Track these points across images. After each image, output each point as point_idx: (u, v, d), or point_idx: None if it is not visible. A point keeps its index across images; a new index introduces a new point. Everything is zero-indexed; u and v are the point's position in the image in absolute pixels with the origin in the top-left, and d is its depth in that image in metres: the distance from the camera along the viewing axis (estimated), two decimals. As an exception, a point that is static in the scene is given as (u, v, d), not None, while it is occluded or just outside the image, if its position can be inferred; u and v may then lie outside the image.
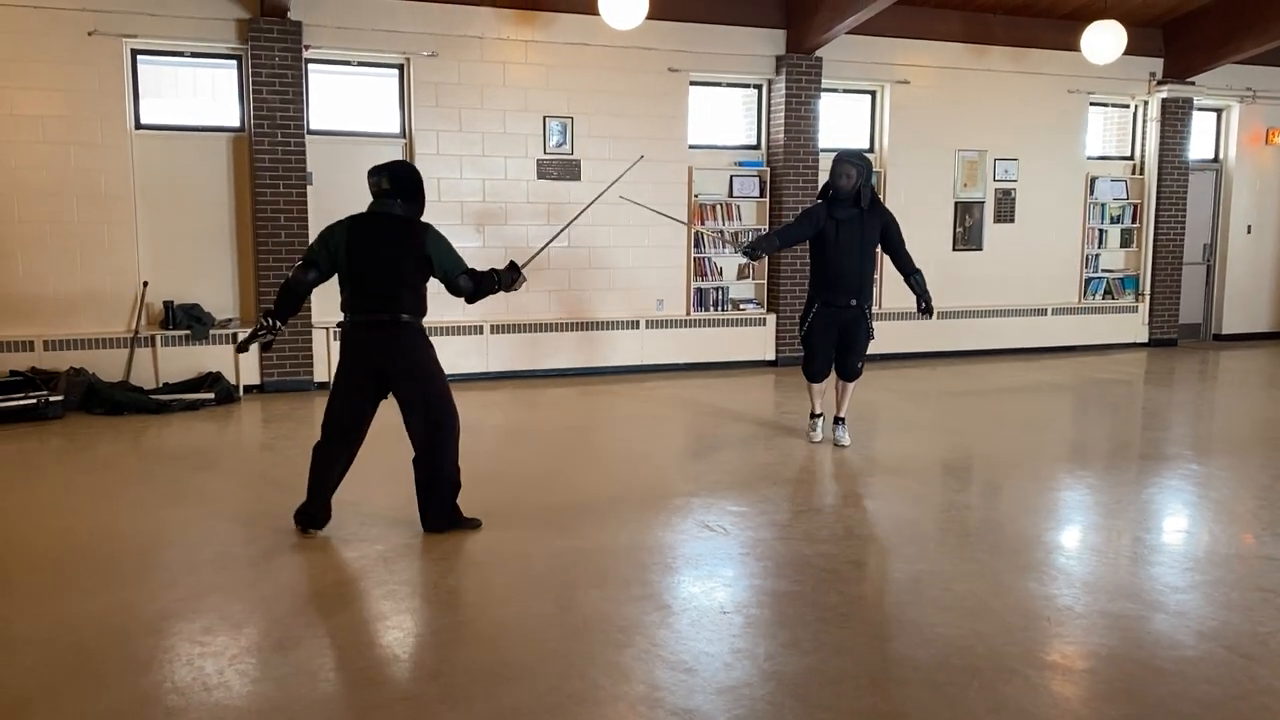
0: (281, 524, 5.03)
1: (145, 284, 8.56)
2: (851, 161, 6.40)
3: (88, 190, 8.33)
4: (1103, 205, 12.05)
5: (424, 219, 4.84)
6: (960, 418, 8.38)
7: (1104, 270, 12.23)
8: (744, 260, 6.44)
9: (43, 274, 8.27)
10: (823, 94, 10.41)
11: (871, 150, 11.09)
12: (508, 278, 4.99)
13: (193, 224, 8.73)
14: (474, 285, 4.86)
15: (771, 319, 10.55)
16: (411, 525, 4.96)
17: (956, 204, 11.32)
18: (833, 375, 6.98)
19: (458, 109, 9.27)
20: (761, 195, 10.51)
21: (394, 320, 4.69)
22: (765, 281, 10.66)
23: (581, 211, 5.88)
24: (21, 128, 8.10)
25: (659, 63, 9.88)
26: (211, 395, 8.22)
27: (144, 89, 8.60)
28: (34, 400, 7.54)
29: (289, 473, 6.27)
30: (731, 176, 10.45)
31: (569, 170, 9.63)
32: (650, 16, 9.08)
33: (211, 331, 8.61)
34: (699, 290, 10.41)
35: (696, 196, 10.23)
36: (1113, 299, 12.21)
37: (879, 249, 6.73)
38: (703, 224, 7.88)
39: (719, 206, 10.39)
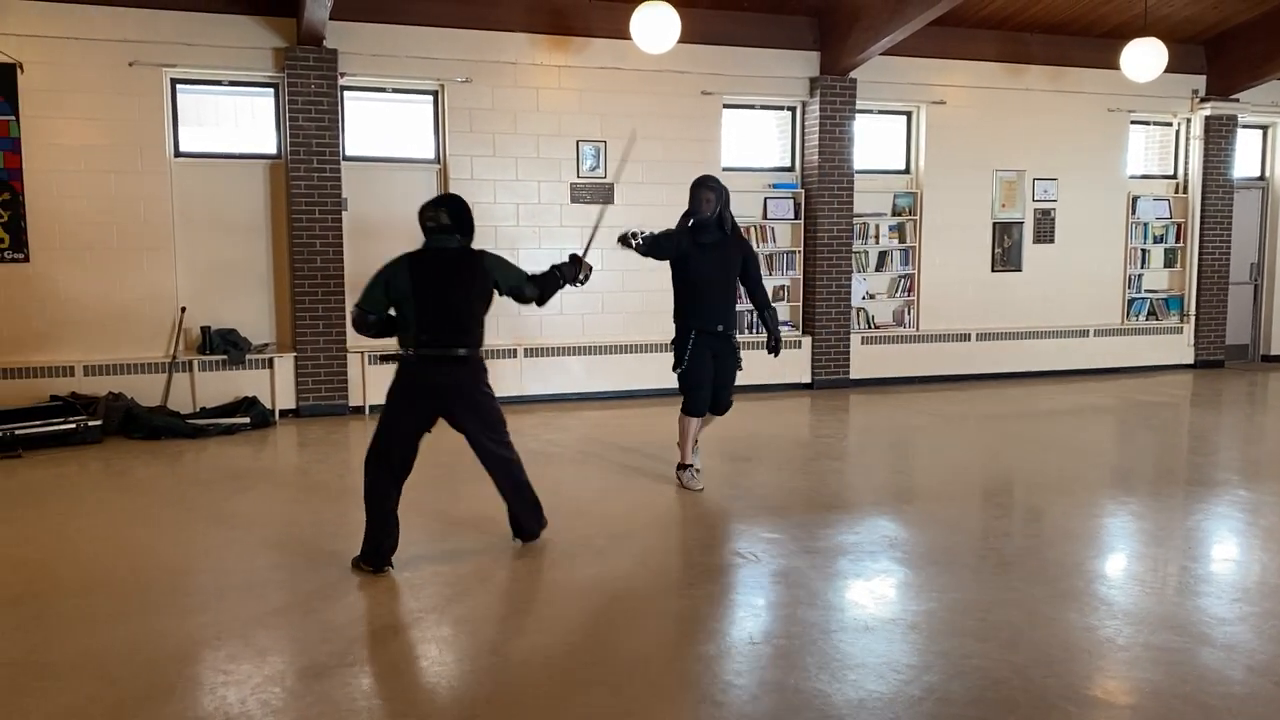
0: (313, 547, 5.03)
1: (183, 309, 8.66)
2: (710, 187, 6.15)
3: (128, 217, 8.46)
4: (1145, 225, 11.85)
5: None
6: (999, 441, 8.24)
7: (1147, 291, 12.01)
8: (619, 243, 5.97)
9: (83, 299, 8.39)
10: (857, 115, 10.35)
11: (908, 171, 11.01)
12: (571, 271, 5.04)
13: (230, 250, 8.82)
14: (540, 290, 4.93)
15: (807, 341, 10.45)
16: (439, 552, 4.91)
17: (995, 224, 11.17)
18: None
19: (491, 134, 9.31)
20: (796, 217, 10.45)
21: (459, 356, 4.68)
22: (801, 304, 10.57)
23: (598, 221, 5.51)
24: (64, 157, 8.24)
25: (692, 86, 9.88)
26: (247, 420, 8.27)
27: (183, 117, 8.72)
28: (73, 425, 7.63)
29: (322, 497, 6.29)
30: (765, 199, 10.41)
31: (602, 194, 9.63)
32: (683, 40, 9.08)
33: (248, 356, 8.68)
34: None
35: (730, 219, 10.17)
36: (1156, 320, 11.98)
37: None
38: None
39: (753, 229, 10.33)
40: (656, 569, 4.81)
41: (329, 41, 8.63)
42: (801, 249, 10.49)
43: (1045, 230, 11.36)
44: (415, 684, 3.61)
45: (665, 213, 9.79)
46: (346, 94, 9.02)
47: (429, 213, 4.76)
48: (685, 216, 6.29)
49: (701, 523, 5.69)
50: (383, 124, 9.33)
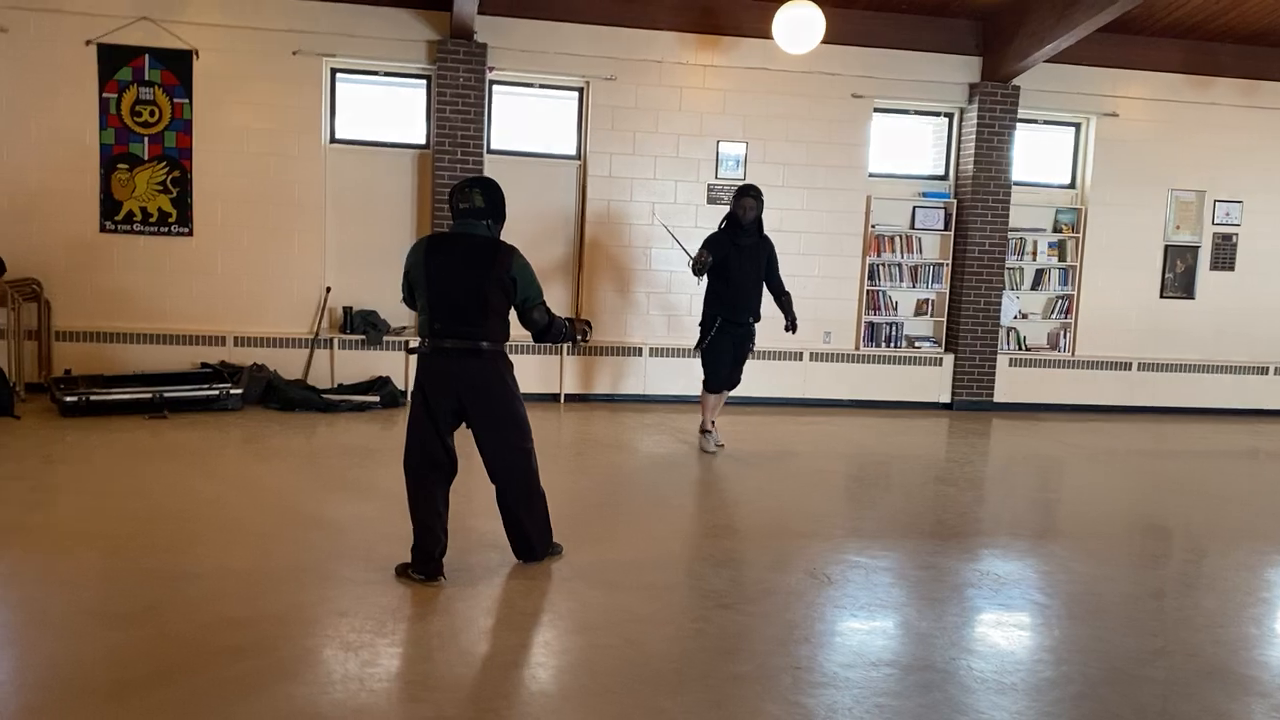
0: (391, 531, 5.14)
1: (328, 289, 9.05)
2: (753, 195, 7.23)
3: (283, 199, 8.90)
4: (1345, 256, 10.76)
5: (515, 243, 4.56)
6: (1153, 482, 7.68)
7: (1343, 328, 10.91)
8: (696, 272, 7.28)
9: (238, 274, 8.89)
10: (1019, 125, 9.83)
11: (1072, 186, 10.37)
12: (571, 332, 4.81)
13: (376, 235, 9.16)
14: (548, 321, 4.60)
15: (949, 359, 10.00)
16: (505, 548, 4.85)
17: (1166, 248, 10.39)
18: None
19: (632, 132, 9.32)
20: (946, 228, 10.01)
21: (477, 348, 4.40)
22: (945, 319, 10.13)
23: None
24: (229, 139, 8.75)
25: (842, 89, 9.60)
26: (377, 398, 8.57)
27: (340, 105, 9.12)
28: (217, 392, 8.09)
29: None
30: (915, 208, 10.02)
31: (741, 196, 9.49)
32: (834, 41, 8.90)
33: (384, 338, 9.00)
34: (870, 324, 10.01)
35: (874, 227, 9.85)
36: (1352, 361, 10.87)
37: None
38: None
39: (899, 239, 9.97)
40: (718, 586, 4.67)
41: (479, 36, 8.84)
42: (950, 262, 10.04)
43: (1225, 256, 10.48)
44: (444, 672, 3.61)
45: (803, 218, 9.65)
46: (495, 88, 9.23)
47: (463, 193, 4.45)
48: (726, 218, 7.34)
49: (785, 537, 5.50)
50: (526, 118, 9.48)
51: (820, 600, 4.48)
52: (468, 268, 4.37)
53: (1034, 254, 10.28)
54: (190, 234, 8.79)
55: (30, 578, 4.30)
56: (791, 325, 7.55)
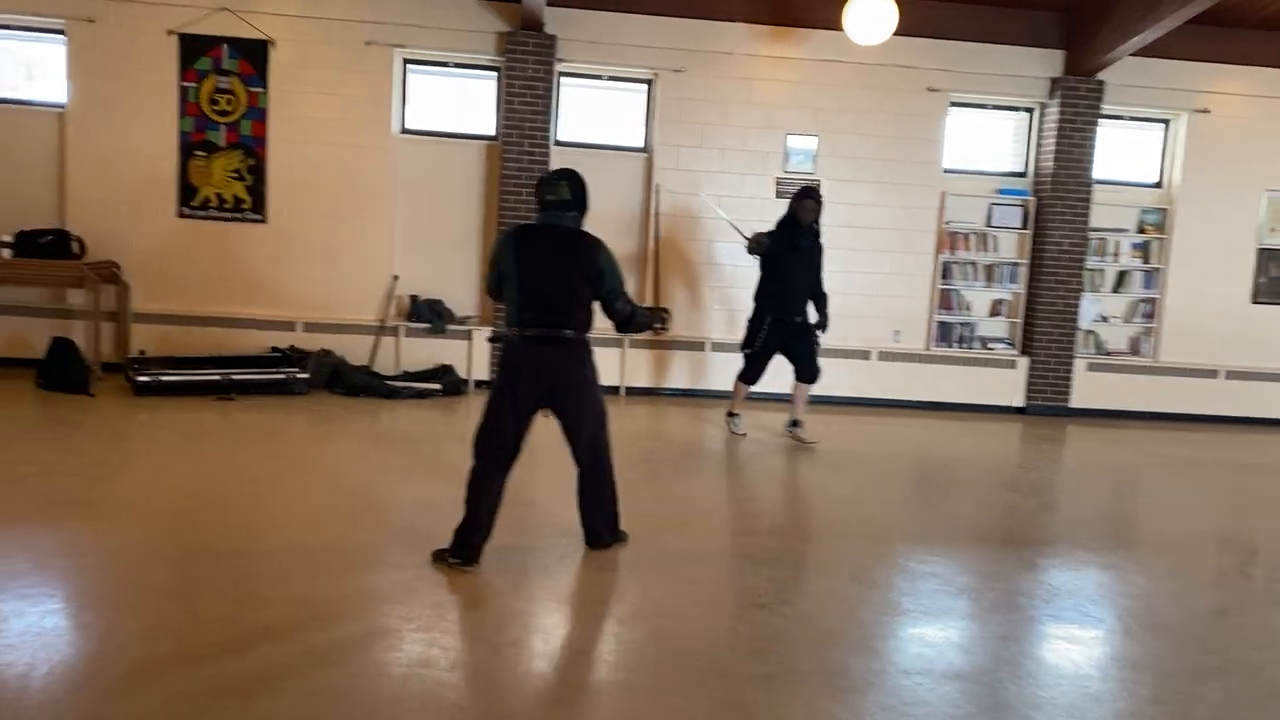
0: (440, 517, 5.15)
1: (395, 278, 9.15)
2: (814, 198, 7.21)
3: (354, 188, 9.03)
4: None
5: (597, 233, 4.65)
6: (1228, 494, 7.36)
7: None
8: (750, 250, 7.37)
9: (309, 260, 9.04)
10: (1103, 121, 9.47)
11: (1159, 185, 9.96)
12: (646, 317, 4.89)
13: (443, 225, 9.23)
14: (630, 311, 4.71)
15: (1024, 362, 9.69)
16: (571, 534, 4.82)
17: (1260, 250, 9.92)
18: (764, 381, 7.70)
19: (700, 125, 9.23)
20: (1024, 227, 9.70)
21: (563, 337, 4.48)
22: (1021, 320, 9.82)
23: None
24: (303, 128, 8.90)
25: (916, 82, 9.37)
26: (439, 386, 8.65)
27: (410, 96, 9.20)
28: (283, 376, 8.25)
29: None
30: (991, 205, 9.73)
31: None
32: (910, 34, 8.71)
33: (449, 327, 9.06)
34: (942, 324, 9.76)
35: (947, 223, 9.60)
36: None
37: None
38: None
39: (973, 236, 9.69)
40: (751, 585, 4.57)
41: (549, 27, 8.84)
42: (1027, 261, 9.72)
43: (1323, 261, 9.97)
44: (470, 662, 3.60)
45: (873, 214, 9.46)
46: (564, 79, 9.22)
47: (550, 186, 4.56)
48: (786, 218, 7.30)
49: (841, 539, 5.37)
50: (594, 110, 9.46)
51: (861, 604, 4.35)
52: (556, 258, 4.47)
53: (1116, 255, 9.89)
54: (263, 220, 8.97)
55: (84, 549, 4.42)
56: (824, 324, 7.58)
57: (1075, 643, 4.09)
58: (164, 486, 5.53)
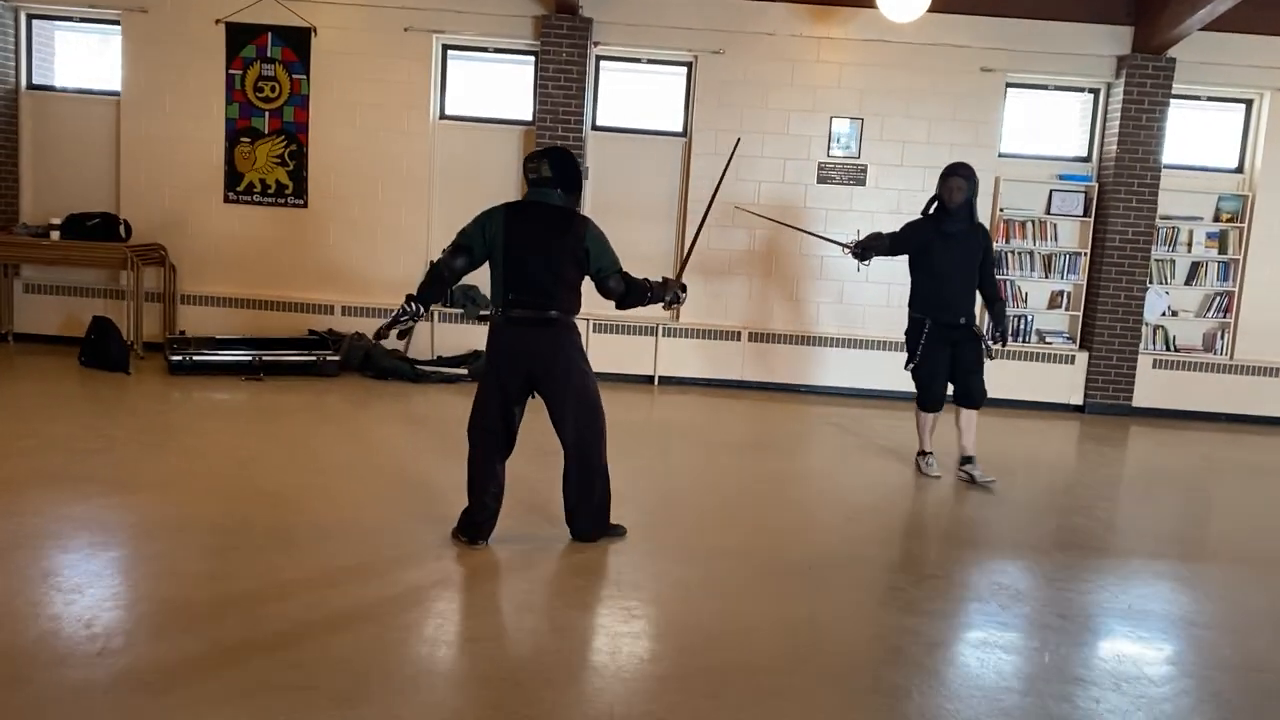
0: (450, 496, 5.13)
1: (432, 263, 9.17)
2: (962, 175, 6.19)
3: (392, 173, 9.11)
4: None
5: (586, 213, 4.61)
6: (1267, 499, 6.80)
7: None
8: (857, 262, 6.41)
9: (348, 244, 9.17)
10: (1174, 101, 8.87)
11: (1240, 170, 9.30)
12: (660, 292, 4.73)
13: (478, 210, 9.17)
14: (625, 288, 4.61)
15: (1083, 358, 9.18)
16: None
17: (1350, 241, 9.17)
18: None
19: (740, 108, 8.99)
20: (1085, 214, 9.18)
21: (548, 318, 4.43)
22: (1080, 313, 9.30)
23: (693, 243, 5.48)
24: (343, 114, 9.02)
25: (970, 61, 8.94)
26: (465, 371, 8.65)
27: (449, 82, 9.23)
28: (314, 358, 8.38)
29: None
30: (1051, 191, 9.23)
31: (853, 175, 9.02)
32: (962, 11, 8.39)
33: (480, 313, 9.06)
34: (995, 316, 9.30)
35: (1001, 211, 9.14)
36: None
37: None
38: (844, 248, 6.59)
39: (1030, 224, 9.21)
40: (777, 583, 4.40)
41: (585, 10, 8.75)
42: (1089, 251, 9.19)
43: None
44: (461, 653, 3.54)
45: (922, 199, 8.93)
46: (601, 63, 9.11)
47: (531, 163, 4.55)
48: (931, 202, 6.34)
49: (865, 540, 5.14)
50: (633, 94, 9.32)
51: (893, 608, 4.18)
52: (543, 237, 4.42)
53: (1189, 245, 9.27)
54: (305, 205, 9.13)
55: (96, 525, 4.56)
56: (1002, 338, 6.46)
57: (1107, 658, 3.80)
58: (179, 462, 5.70)
